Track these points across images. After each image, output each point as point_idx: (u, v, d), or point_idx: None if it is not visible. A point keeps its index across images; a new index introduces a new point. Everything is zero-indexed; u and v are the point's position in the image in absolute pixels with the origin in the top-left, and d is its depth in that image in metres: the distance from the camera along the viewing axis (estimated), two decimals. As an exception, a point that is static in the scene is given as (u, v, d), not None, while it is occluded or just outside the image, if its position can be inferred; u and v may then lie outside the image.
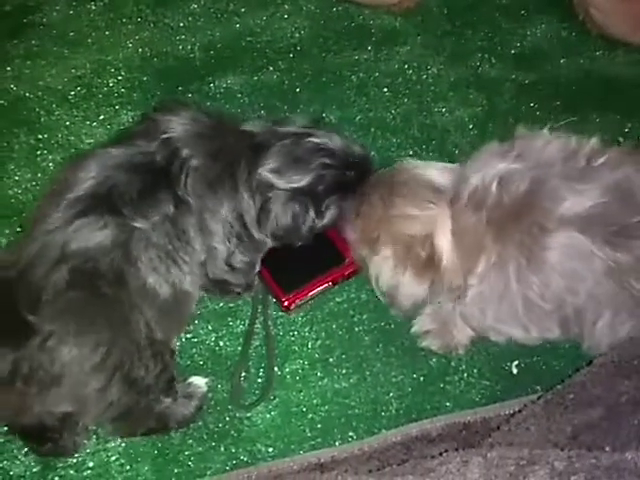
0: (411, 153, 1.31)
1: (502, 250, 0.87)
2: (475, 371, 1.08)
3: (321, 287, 1.09)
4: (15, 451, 0.99)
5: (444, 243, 0.91)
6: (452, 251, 0.91)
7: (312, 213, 1.03)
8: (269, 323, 1.10)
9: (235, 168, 1.00)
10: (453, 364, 1.08)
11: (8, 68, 1.41)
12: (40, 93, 1.37)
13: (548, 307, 0.89)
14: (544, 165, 0.88)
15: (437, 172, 0.96)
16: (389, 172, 1.02)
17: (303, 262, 1.09)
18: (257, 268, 1.08)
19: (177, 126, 0.98)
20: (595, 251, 0.83)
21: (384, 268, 0.96)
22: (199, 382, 1.03)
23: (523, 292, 0.88)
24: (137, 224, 0.90)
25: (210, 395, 1.04)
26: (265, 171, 1.00)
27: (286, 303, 1.07)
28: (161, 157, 0.95)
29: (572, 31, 1.50)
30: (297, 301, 1.08)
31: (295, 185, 1.00)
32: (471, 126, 1.35)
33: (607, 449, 0.70)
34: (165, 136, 0.96)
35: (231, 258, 1.02)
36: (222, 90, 1.39)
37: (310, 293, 1.09)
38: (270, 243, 1.06)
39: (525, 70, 1.43)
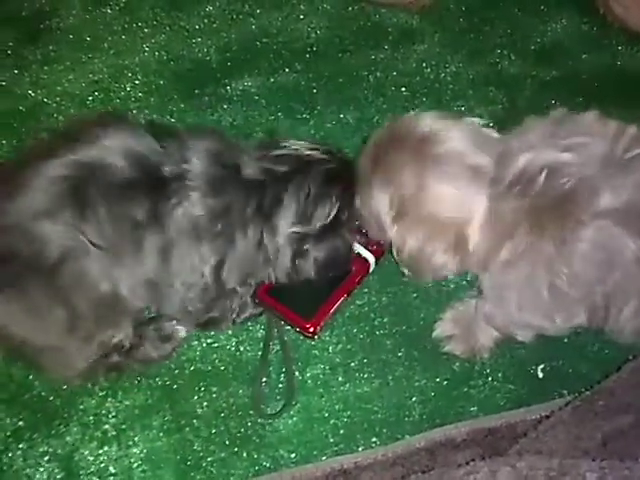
0: (431, 153, 1.29)
1: (534, 241, 0.85)
2: (500, 375, 1.06)
3: (338, 302, 1.07)
4: (39, 457, 0.99)
5: (476, 228, 0.89)
6: (483, 234, 0.89)
7: (347, 235, 1.02)
8: (283, 332, 1.08)
9: (240, 222, 0.96)
10: (477, 368, 1.07)
11: (26, 74, 1.41)
12: (58, 98, 1.38)
13: (576, 295, 0.87)
14: (589, 160, 0.86)
15: (476, 148, 0.89)
16: (412, 133, 0.91)
17: (312, 285, 1.06)
18: (210, 313, 1.05)
19: (196, 162, 0.95)
20: (628, 242, 0.83)
21: (412, 241, 0.91)
22: (180, 328, 1.05)
23: (550, 280, 0.87)
24: (95, 210, 0.89)
25: (232, 400, 1.04)
26: (289, 227, 0.97)
27: (311, 329, 1.04)
28: (169, 172, 0.93)
29: (593, 26, 1.47)
30: (321, 324, 1.05)
31: (322, 222, 0.98)
32: (491, 124, 1.32)
33: (640, 459, 0.68)
34: (184, 166, 0.94)
35: (186, 301, 0.99)
36: (239, 92, 1.38)
37: (330, 312, 1.06)
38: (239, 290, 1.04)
39: (546, 66, 1.41)
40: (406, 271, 0.99)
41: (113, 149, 0.91)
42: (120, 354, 0.99)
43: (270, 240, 0.98)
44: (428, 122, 0.92)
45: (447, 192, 0.88)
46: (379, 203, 0.93)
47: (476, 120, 0.96)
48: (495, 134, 0.95)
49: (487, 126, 0.96)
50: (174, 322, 1.05)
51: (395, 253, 0.96)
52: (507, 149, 0.89)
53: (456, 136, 0.90)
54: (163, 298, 0.98)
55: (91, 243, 0.89)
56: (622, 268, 0.84)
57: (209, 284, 0.97)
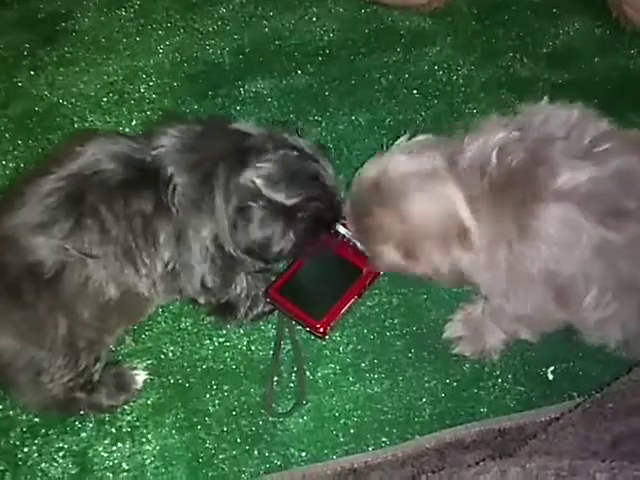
0: (442, 155, 1.30)
1: (494, 219, 0.87)
2: (510, 377, 1.06)
3: (349, 303, 1.08)
4: (53, 453, 1.00)
5: (466, 213, 0.89)
6: (476, 217, 0.90)
7: (290, 236, 0.98)
8: (294, 332, 1.09)
9: (213, 175, 0.96)
10: (487, 369, 1.07)
11: (42, 75, 1.44)
12: (73, 100, 1.40)
13: (537, 277, 0.87)
14: (544, 139, 0.87)
15: (418, 157, 0.93)
16: (376, 182, 0.95)
17: (323, 285, 1.09)
18: (232, 287, 1.05)
19: (166, 141, 0.97)
20: (587, 226, 0.83)
21: (439, 264, 0.92)
22: (139, 378, 1.04)
23: (513, 262, 0.87)
24: (97, 216, 0.90)
25: (244, 399, 1.05)
26: (255, 176, 0.95)
27: (321, 329, 1.05)
28: (151, 162, 0.95)
29: (606, 29, 1.47)
30: (331, 324, 1.06)
31: (283, 201, 0.96)
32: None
33: (650, 460, 0.69)
34: (154, 152, 0.96)
35: (204, 278, 1.00)
36: (252, 94, 1.40)
37: (340, 312, 1.07)
38: (247, 260, 1.02)
39: (558, 70, 1.41)
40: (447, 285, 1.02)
41: (99, 156, 0.94)
42: (84, 391, 0.98)
43: (226, 189, 0.97)
44: (369, 169, 0.97)
45: (426, 207, 0.90)
46: (392, 258, 0.95)
47: (402, 139, 0.99)
48: (443, 139, 0.97)
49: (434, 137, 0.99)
50: (135, 369, 1.05)
51: (432, 278, 0.96)
52: (460, 144, 0.91)
53: (394, 161, 0.94)
54: (183, 283, 0.99)
55: (88, 252, 0.90)
56: (582, 252, 0.84)
57: (214, 254, 0.99)
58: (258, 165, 0.95)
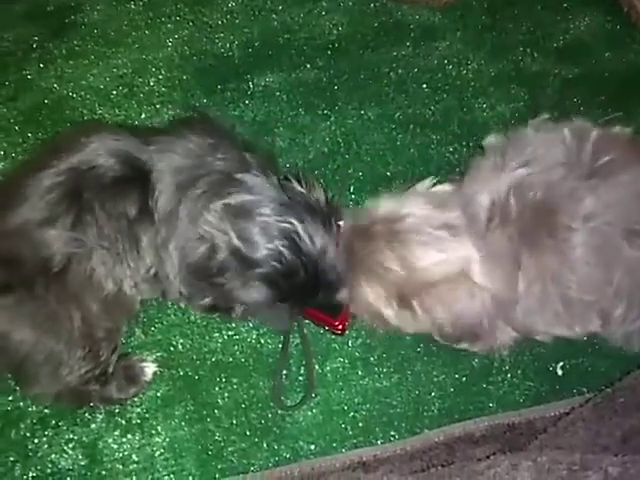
0: (451, 150, 1.30)
1: (537, 261, 0.87)
2: (519, 372, 1.06)
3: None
4: (63, 444, 1.01)
5: (479, 272, 0.89)
6: (489, 275, 0.89)
7: (250, 289, 0.94)
8: (302, 325, 1.09)
9: (188, 189, 0.94)
10: (496, 364, 1.07)
11: (51, 68, 1.43)
12: (83, 93, 1.40)
13: (590, 299, 0.89)
14: (551, 168, 0.88)
15: (436, 207, 0.92)
16: (377, 221, 0.93)
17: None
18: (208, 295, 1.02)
19: (171, 144, 0.96)
20: (621, 245, 0.85)
21: (439, 311, 0.92)
22: (148, 370, 1.04)
23: (561, 293, 0.88)
24: (93, 211, 0.91)
25: (252, 392, 1.05)
26: (226, 209, 0.92)
27: (340, 326, 1.06)
28: (147, 166, 0.95)
29: (616, 24, 1.47)
30: (349, 320, 1.06)
31: (243, 249, 0.91)
32: (513, 122, 1.33)
33: (662, 455, 0.69)
34: (154, 154, 0.96)
35: (180, 288, 0.99)
36: (260, 88, 1.39)
37: None
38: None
39: (568, 64, 1.41)
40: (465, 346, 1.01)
41: (99, 151, 0.94)
42: (98, 383, 0.98)
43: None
44: (386, 205, 0.94)
45: (435, 259, 0.89)
46: (376, 301, 0.94)
47: (427, 183, 0.98)
48: (448, 187, 0.96)
49: (439, 183, 0.98)
50: (144, 362, 1.05)
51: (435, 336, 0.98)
52: (466, 193, 0.91)
53: (415, 206, 0.92)
54: (165, 287, 1.00)
55: (93, 245, 0.91)
56: (620, 269, 0.86)
57: (185, 269, 0.97)
58: (231, 202, 0.92)
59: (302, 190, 0.96)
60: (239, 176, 0.94)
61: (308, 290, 0.96)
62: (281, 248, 0.91)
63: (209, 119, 1.10)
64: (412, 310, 0.92)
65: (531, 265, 0.88)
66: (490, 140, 0.98)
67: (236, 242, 0.91)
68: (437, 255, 0.89)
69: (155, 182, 0.94)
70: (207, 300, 1.02)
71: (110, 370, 0.99)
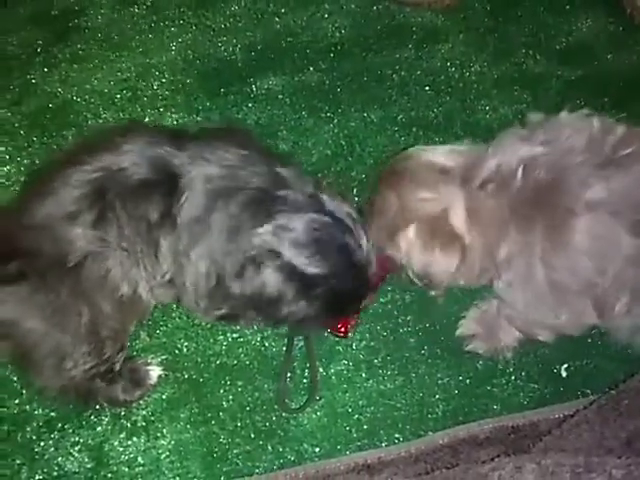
0: (454, 152, 1.30)
1: (526, 237, 0.88)
2: (523, 374, 1.06)
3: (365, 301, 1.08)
4: (69, 447, 1.01)
5: (459, 220, 0.92)
6: (471, 229, 0.92)
7: (302, 305, 0.93)
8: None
9: (220, 199, 0.93)
10: (500, 367, 1.07)
11: (55, 72, 1.44)
12: (87, 96, 1.40)
13: (576, 288, 0.88)
14: (569, 151, 0.88)
15: (445, 156, 0.96)
16: (396, 162, 1.01)
17: None
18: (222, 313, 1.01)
19: (206, 153, 0.95)
20: (622, 235, 0.84)
21: (413, 251, 0.96)
22: (153, 373, 1.04)
23: (549, 276, 0.88)
24: (115, 212, 0.91)
25: (257, 395, 1.05)
26: (278, 233, 0.90)
27: (343, 329, 1.07)
28: (178, 171, 0.94)
29: (619, 26, 1.47)
30: (351, 322, 1.07)
31: (302, 268, 0.90)
32: (516, 124, 1.33)
33: (666, 458, 0.69)
34: (187, 160, 0.94)
35: (196, 299, 0.98)
36: (263, 91, 1.40)
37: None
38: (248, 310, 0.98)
39: (571, 66, 1.41)
40: (420, 282, 1.02)
41: (131, 153, 0.94)
42: (104, 381, 0.99)
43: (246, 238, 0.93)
44: (414, 151, 1.01)
45: (423, 195, 0.93)
46: (376, 232, 0.98)
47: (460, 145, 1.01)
48: (464, 146, 1.00)
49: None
50: (149, 365, 1.05)
51: (406, 269, 1.00)
52: (479, 154, 0.94)
53: (427, 149, 1.00)
54: (180, 295, 1.00)
55: (112, 245, 0.91)
56: (618, 260, 0.85)
57: (208, 282, 0.96)
58: (282, 222, 0.91)
59: (337, 201, 0.96)
60: (281, 193, 0.93)
61: (356, 299, 0.99)
62: (336, 263, 0.92)
63: (241, 130, 1.10)
64: (397, 246, 0.97)
65: (518, 239, 0.88)
66: (532, 116, 0.98)
67: (294, 262, 0.90)
68: (425, 193, 0.93)
69: (183, 188, 0.93)
70: (223, 311, 1.01)
71: (117, 368, 0.99)
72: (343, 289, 0.94)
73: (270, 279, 0.92)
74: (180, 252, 0.94)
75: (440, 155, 0.96)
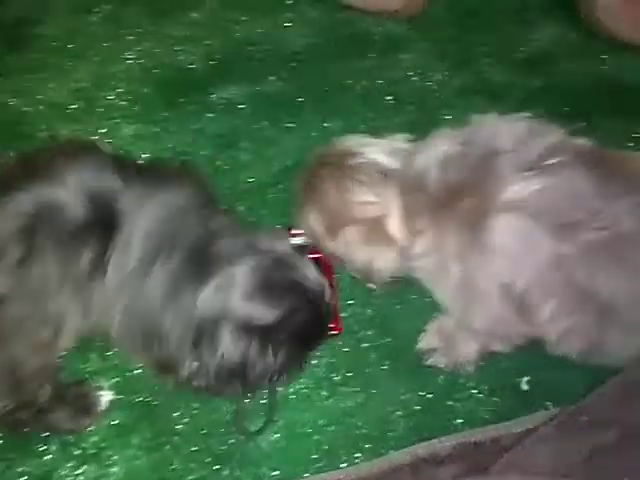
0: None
1: (440, 232, 0.88)
2: (485, 388, 1.05)
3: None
4: (16, 478, 0.95)
5: (396, 223, 0.94)
6: (404, 229, 0.94)
7: (271, 357, 0.89)
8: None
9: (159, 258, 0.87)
10: (462, 381, 1.05)
11: (7, 81, 1.40)
12: (41, 107, 1.36)
13: (493, 290, 0.87)
14: (490, 153, 0.87)
15: (387, 156, 0.97)
16: (334, 152, 1.00)
17: None
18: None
19: (134, 213, 0.88)
20: (540, 237, 0.83)
21: (353, 249, 0.97)
22: (103, 399, 0.99)
23: (463, 273, 0.87)
24: (42, 253, 0.84)
25: (214, 417, 1.02)
26: (223, 288, 0.86)
27: (334, 326, 1.06)
28: (120, 219, 0.88)
29: (579, 35, 1.48)
30: (338, 317, 1.08)
31: (258, 319, 0.87)
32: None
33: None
34: (126, 201, 0.88)
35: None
36: (224, 101, 1.38)
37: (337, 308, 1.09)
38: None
39: (532, 75, 1.41)
40: (359, 276, 1.03)
41: (73, 187, 0.87)
42: (30, 412, 0.93)
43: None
44: (349, 142, 1.01)
45: (365, 198, 0.95)
46: (314, 223, 0.99)
47: (398, 136, 1.04)
48: (407, 144, 1.01)
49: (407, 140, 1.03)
50: (99, 389, 1.00)
51: (345, 263, 1.01)
52: (412, 152, 0.95)
53: (366, 144, 1.00)
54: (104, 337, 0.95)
55: (32, 287, 0.85)
56: (537, 263, 0.84)
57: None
58: (222, 280, 0.86)
59: (273, 238, 0.92)
60: (216, 247, 0.88)
61: (321, 329, 0.97)
62: (291, 301, 0.88)
63: (191, 171, 1.02)
64: (335, 238, 0.98)
65: (431, 235, 0.89)
66: (474, 118, 0.97)
67: (247, 316, 0.86)
68: (366, 195, 0.95)
69: (121, 236, 0.87)
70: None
71: (42, 400, 0.93)
72: (306, 324, 0.91)
73: (229, 346, 0.87)
74: (108, 302, 0.88)
75: (381, 154, 0.97)
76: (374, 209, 0.94)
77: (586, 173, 0.85)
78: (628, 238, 0.84)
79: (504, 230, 0.83)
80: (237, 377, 0.90)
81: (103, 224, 0.87)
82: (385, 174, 0.95)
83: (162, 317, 0.89)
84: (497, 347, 1.00)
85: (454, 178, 0.87)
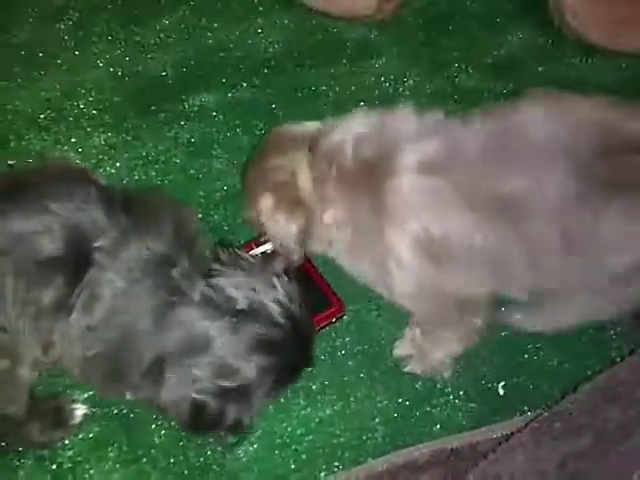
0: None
1: (350, 203, 0.92)
2: (461, 393, 1.06)
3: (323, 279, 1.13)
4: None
5: (305, 182, 0.96)
6: (314, 196, 0.96)
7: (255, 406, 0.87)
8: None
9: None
10: (439, 386, 1.06)
11: (-25, 92, 1.37)
12: (9, 117, 1.34)
13: (404, 250, 0.89)
14: (396, 137, 0.92)
15: (300, 127, 1.02)
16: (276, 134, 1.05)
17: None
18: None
19: (108, 257, 0.84)
20: (451, 191, 0.85)
21: (265, 217, 0.98)
22: (78, 412, 0.99)
23: (375, 241, 0.90)
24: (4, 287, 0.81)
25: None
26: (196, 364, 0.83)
27: (339, 307, 1.10)
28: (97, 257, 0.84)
29: (548, 38, 1.49)
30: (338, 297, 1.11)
31: (229, 385, 0.84)
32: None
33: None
34: (102, 241, 0.84)
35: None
36: (196, 108, 1.36)
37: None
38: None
39: (503, 79, 1.42)
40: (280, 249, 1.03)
41: (54, 219, 0.83)
42: (6, 427, 0.92)
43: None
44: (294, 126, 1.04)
45: (276, 163, 0.98)
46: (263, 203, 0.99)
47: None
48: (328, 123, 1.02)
49: None
50: (74, 402, 0.99)
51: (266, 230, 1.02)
52: (329, 128, 0.98)
53: (292, 125, 1.04)
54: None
55: None
56: (458, 213, 0.86)
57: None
58: (186, 370, 0.83)
59: (236, 276, 0.88)
60: (176, 318, 0.84)
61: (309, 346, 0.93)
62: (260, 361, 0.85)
63: (178, 205, 0.99)
64: (253, 206, 1.00)
65: (342, 205, 0.93)
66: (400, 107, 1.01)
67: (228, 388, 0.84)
68: (276, 160, 0.98)
69: (90, 279, 0.83)
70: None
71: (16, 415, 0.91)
72: (293, 361, 0.90)
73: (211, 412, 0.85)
74: (73, 348, 0.85)
75: (297, 127, 1.01)
76: (284, 171, 0.96)
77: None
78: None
79: (409, 188, 0.87)
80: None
81: (75, 261, 0.83)
82: (294, 139, 0.98)
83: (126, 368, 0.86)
84: (455, 344, 1.00)
85: (365, 155, 0.91)
